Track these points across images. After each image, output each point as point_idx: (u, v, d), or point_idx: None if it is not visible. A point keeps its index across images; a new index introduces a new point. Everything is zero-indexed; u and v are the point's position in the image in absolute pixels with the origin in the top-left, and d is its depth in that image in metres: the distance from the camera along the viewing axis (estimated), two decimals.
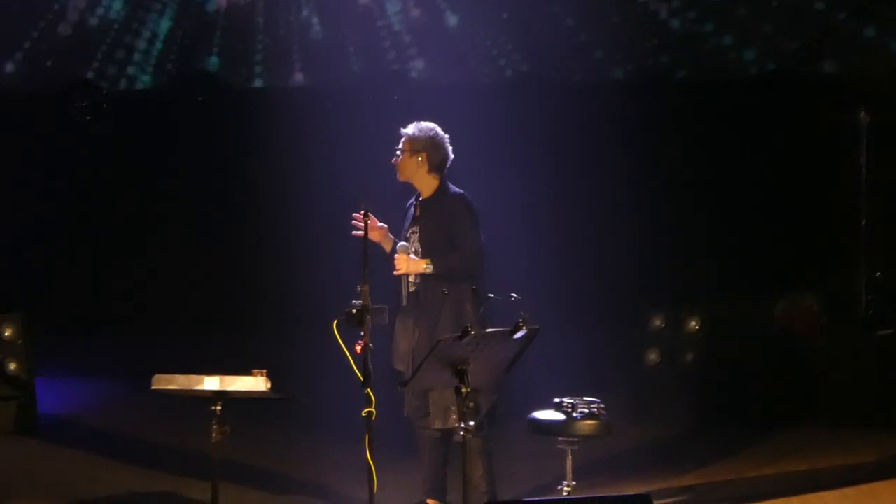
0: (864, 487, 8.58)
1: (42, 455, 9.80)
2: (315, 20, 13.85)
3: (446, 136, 8.06)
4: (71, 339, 12.60)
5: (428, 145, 7.99)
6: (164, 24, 13.87)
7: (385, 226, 8.00)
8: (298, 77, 13.94)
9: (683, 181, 13.37)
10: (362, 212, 7.44)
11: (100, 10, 13.81)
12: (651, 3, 13.64)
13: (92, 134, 13.60)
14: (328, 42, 13.84)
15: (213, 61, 13.91)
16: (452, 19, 13.81)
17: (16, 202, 13.40)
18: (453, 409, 7.47)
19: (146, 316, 13.58)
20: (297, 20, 13.85)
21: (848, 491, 8.50)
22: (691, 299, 11.31)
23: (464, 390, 6.65)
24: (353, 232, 7.58)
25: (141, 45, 13.86)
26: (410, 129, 8.05)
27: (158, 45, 13.87)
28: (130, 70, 13.91)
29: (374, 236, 7.84)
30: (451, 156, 8.05)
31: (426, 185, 8.04)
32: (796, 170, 13.11)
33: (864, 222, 11.51)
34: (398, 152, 8.04)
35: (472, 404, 6.73)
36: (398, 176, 8.06)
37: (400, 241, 8.01)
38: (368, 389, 6.92)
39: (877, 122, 11.63)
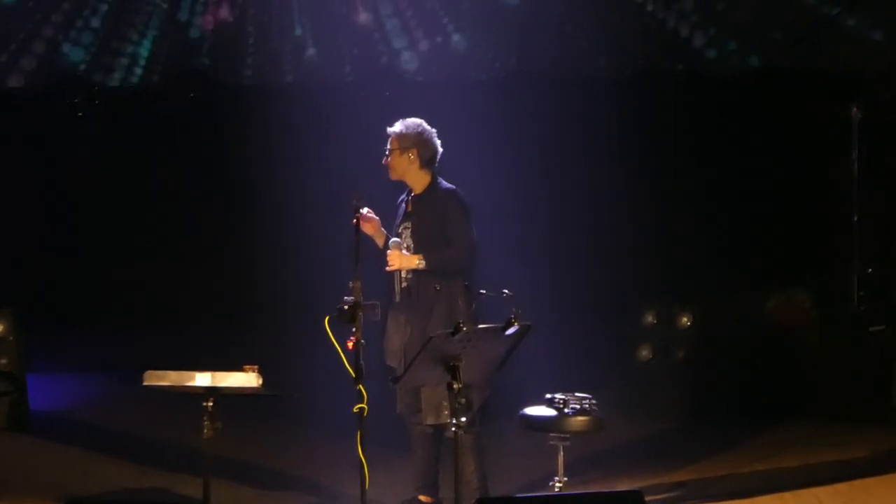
0: (856, 483, 8.59)
1: (34, 451, 9.78)
2: (308, 32, 13.79)
3: (433, 130, 8.06)
4: (63, 335, 12.57)
5: (417, 141, 7.98)
6: (146, 45, 13.76)
7: (377, 218, 7.99)
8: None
9: (675, 177, 13.36)
10: (358, 214, 7.40)
11: (80, 23, 13.72)
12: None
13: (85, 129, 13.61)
14: (320, 50, 13.79)
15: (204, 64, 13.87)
16: (445, 16, 13.78)
17: (7, 198, 13.38)
18: (445, 405, 7.47)
19: (138, 312, 13.56)
20: (290, 36, 13.79)
21: (840, 487, 8.50)
22: (683, 295, 11.31)
23: (456, 386, 6.65)
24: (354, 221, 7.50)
25: (123, 62, 13.78)
26: (398, 127, 8.04)
27: (141, 59, 13.78)
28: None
29: (366, 228, 7.81)
30: (440, 150, 8.05)
31: (418, 181, 8.03)
32: (788, 165, 13.10)
33: (855, 218, 11.52)
34: (387, 152, 8.02)
35: (463, 400, 6.72)
36: (390, 175, 8.04)
37: (391, 237, 8.00)
38: (360, 386, 6.90)
39: (869, 117, 11.63)
